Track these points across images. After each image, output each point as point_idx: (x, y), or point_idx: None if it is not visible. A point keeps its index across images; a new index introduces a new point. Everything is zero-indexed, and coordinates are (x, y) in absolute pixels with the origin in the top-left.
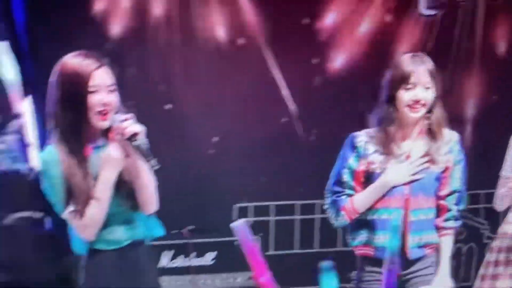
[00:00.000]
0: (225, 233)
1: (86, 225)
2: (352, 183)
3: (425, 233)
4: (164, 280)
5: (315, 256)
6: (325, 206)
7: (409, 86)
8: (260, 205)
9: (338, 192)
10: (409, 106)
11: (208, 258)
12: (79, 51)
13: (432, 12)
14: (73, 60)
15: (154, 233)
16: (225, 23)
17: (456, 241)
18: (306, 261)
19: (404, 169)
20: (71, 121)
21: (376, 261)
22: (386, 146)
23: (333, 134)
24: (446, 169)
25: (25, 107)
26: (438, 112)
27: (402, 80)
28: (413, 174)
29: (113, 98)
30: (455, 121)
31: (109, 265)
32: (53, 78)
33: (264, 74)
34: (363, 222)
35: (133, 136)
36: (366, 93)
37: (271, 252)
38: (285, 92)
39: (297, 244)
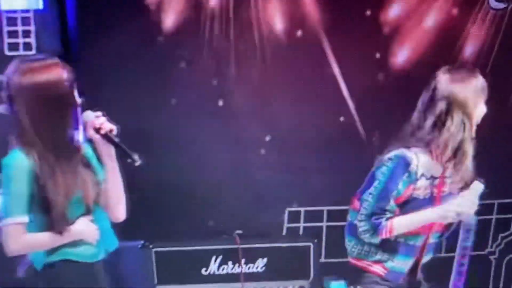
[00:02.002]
0: (276, 238)
1: (29, 245)
2: (395, 208)
3: (431, 254)
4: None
5: None
6: (361, 227)
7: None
8: (312, 210)
9: (379, 214)
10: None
11: (259, 265)
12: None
13: (501, 5)
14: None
15: (110, 246)
16: (282, 14)
17: None
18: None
19: (458, 210)
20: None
21: (384, 281)
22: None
23: (395, 133)
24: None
25: None
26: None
27: (482, 93)
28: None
29: None
30: None
31: (73, 278)
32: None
33: (323, 69)
34: (384, 240)
35: (110, 132)
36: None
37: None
38: (344, 88)
39: None
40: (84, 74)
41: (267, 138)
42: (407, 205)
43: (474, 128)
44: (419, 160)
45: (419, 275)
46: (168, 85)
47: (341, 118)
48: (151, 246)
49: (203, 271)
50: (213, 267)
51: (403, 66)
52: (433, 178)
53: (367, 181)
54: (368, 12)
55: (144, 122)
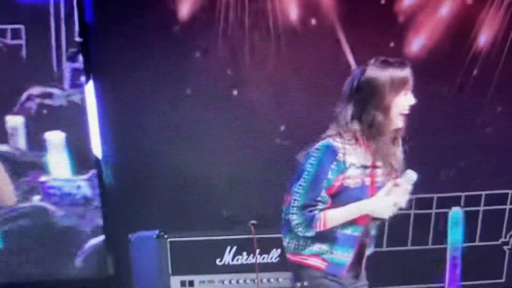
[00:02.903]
0: None
1: None
2: (327, 198)
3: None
4: (226, 278)
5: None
6: (294, 221)
7: (403, 91)
8: None
9: (311, 205)
10: (401, 114)
11: (273, 255)
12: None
13: None
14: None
15: None
16: (297, 2)
17: None
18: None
19: (391, 201)
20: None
21: (326, 275)
22: (355, 158)
23: (409, 122)
24: None
25: (88, 89)
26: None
27: (404, 84)
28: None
29: None
30: None
31: None
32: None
33: (337, 58)
34: (322, 233)
35: None
36: (446, 80)
37: None
38: None
39: None
40: (99, 63)
41: (282, 128)
42: (340, 195)
43: (396, 117)
44: (347, 149)
45: (363, 271)
46: (183, 75)
47: None
48: (166, 236)
49: (217, 261)
50: (227, 257)
51: (418, 55)
52: (364, 167)
53: (296, 173)
54: (383, 1)
55: (158, 111)
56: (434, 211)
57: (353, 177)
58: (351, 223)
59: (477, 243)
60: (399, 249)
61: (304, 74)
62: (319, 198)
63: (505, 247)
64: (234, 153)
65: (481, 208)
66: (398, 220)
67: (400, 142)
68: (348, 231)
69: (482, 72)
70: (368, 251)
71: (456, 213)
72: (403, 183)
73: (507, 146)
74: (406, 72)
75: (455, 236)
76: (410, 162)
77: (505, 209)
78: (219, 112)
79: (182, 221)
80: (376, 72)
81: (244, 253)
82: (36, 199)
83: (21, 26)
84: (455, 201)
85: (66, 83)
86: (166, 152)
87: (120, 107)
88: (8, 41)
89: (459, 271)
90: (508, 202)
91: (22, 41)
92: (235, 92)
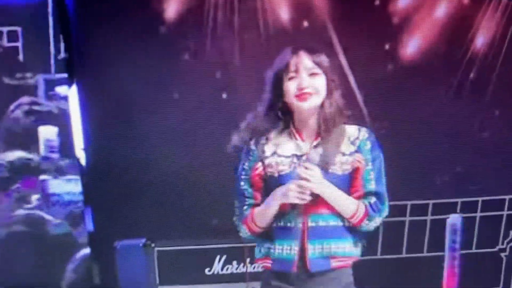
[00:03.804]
0: None
1: None
2: (251, 191)
3: (329, 242)
4: None
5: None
6: (235, 222)
7: (291, 74)
8: None
9: (241, 202)
10: (296, 96)
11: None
12: None
13: None
14: None
15: None
16: (288, 3)
17: None
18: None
19: (292, 186)
20: None
21: (276, 275)
22: (282, 147)
23: (406, 126)
24: (356, 170)
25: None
26: (330, 105)
27: (285, 70)
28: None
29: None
30: None
31: None
32: None
33: (330, 60)
34: (265, 232)
35: None
36: (443, 83)
37: None
38: (352, 80)
39: None
40: (84, 66)
41: None
42: (269, 187)
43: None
44: (269, 137)
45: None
46: (171, 78)
47: (349, 112)
48: (153, 245)
49: (206, 271)
50: (217, 266)
51: (413, 57)
52: (295, 156)
53: None
54: (377, 2)
55: (145, 116)
56: (429, 217)
57: (275, 165)
58: (282, 214)
59: (474, 250)
60: (393, 257)
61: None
62: (246, 194)
63: (502, 254)
64: (224, 159)
65: (478, 214)
66: (393, 227)
67: (331, 130)
68: (289, 223)
69: (479, 75)
70: (312, 246)
71: (454, 219)
72: (311, 168)
73: (504, 150)
74: (287, 58)
75: (453, 243)
76: (405, 167)
77: (502, 215)
78: (208, 116)
79: (170, 230)
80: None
81: (234, 262)
82: (27, 207)
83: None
84: (451, 208)
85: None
86: (153, 158)
87: (105, 112)
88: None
89: (457, 279)
90: (506, 208)
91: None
92: (224, 96)
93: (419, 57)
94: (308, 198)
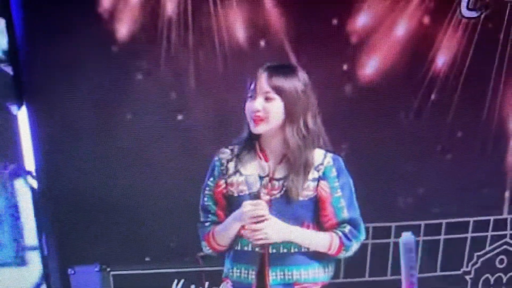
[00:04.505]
0: None
1: None
2: (214, 208)
3: (290, 269)
4: None
5: None
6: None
7: (250, 94)
8: None
9: (204, 217)
10: (252, 118)
11: None
12: None
13: (474, 13)
14: None
15: None
16: (244, 22)
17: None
18: None
19: (248, 207)
20: None
21: None
22: (245, 165)
23: (365, 148)
24: (320, 199)
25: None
26: (293, 132)
27: (248, 88)
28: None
29: None
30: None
31: None
32: None
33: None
34: (225, 252)
35: None
36: (403, 104)
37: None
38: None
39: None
40: (32, 86)
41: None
42: (231, 206)
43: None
44: (233, 154)
45: None
46: (124, 98)
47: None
48: (108, 269)
49: None
50: None
51: (372, 78)
52: (259, 177)
53: None
54: (335, 21)
55: (97, 138)
56: (392, 240)
57: (236, 184)
58: (240, 237)
59: (438, 273)
60: (356, 280)
61: None
62: (209, 209)
63: (467, 277)
64: (180, 181)
65: (442, 237)
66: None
67: (296, 158)
68: (238, 246)
69: (441, 96)
70: (273, 272)
71: (407, 238)
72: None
73: (467, 172)
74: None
75: (409, 262)
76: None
77: (466, 238)
78: (162, 138)
79: (125, 254)
80: None
81: (193, 287)
82: None
83: None
84: (415, 230)
85: None
86: (107, 181)
87: (56, 133)
88: None
89: None
90: (470, 230)
91: None
92: (180, 117)
93: (378, 78)
94: (265, 224)
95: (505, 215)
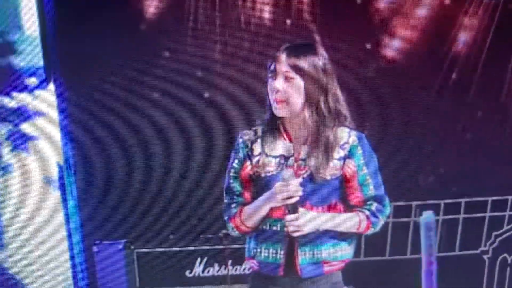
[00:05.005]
0: None
1: None
2: (240, 189)
3: (319, 248)
4: None
5: None
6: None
7: (270, 74)
8: None
9: (229, 199)
10: (274, 100)
11: (246, 267)
12: None
13: None
14: None
15: None
16: (270, 2)
17: None
18: None
19: (280, 188)
20: None
21: (263, 277)
22: (270, 146)
23: (386, 127)
24: (346, 176)
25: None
26: (312, 112)
27: (269, 67)
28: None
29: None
30: None
31: None
32: None
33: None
34: (252, 232)
35: None
36: (425, 84)
37: None
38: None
39: None
40: (62, 66)
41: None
42: (258, 187)
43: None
44: (258, 136)
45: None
46: (151, 77)
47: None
48: (132, 247)
49: (187, 273)
50: (198, 269)
51: (394, 57)
52: (283, 157)
53: None
54: (359, 1)
55: (125, 116)
56: (412, 219)
57: (262, 166)
58: (269, 217)
59: (456, 252)
60: (377, 259)
61: None
62: (235, 191)
63: (485, 256)
64: (206, 159)
65: (461, 216)
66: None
67: (317, 137)
68: (267, 226)
69: (462, 75)
70: (302, 252)
71: (428, 217)
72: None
73: (487, 152)
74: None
75: (428, 240)
76: (388, 168)
77: (484, 217)
78: (189, 116)
79: (150, 231)
80: None
81: (216, 265)
82: None
83: None
84: (434, 209)
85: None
86: (133, 158)
87: (84, 111)
88: None
89: (435, 278)
90: (488, 209)
91: None
92: (206, 95)
93: (400, 57)
94: (297, 198)
95: None
